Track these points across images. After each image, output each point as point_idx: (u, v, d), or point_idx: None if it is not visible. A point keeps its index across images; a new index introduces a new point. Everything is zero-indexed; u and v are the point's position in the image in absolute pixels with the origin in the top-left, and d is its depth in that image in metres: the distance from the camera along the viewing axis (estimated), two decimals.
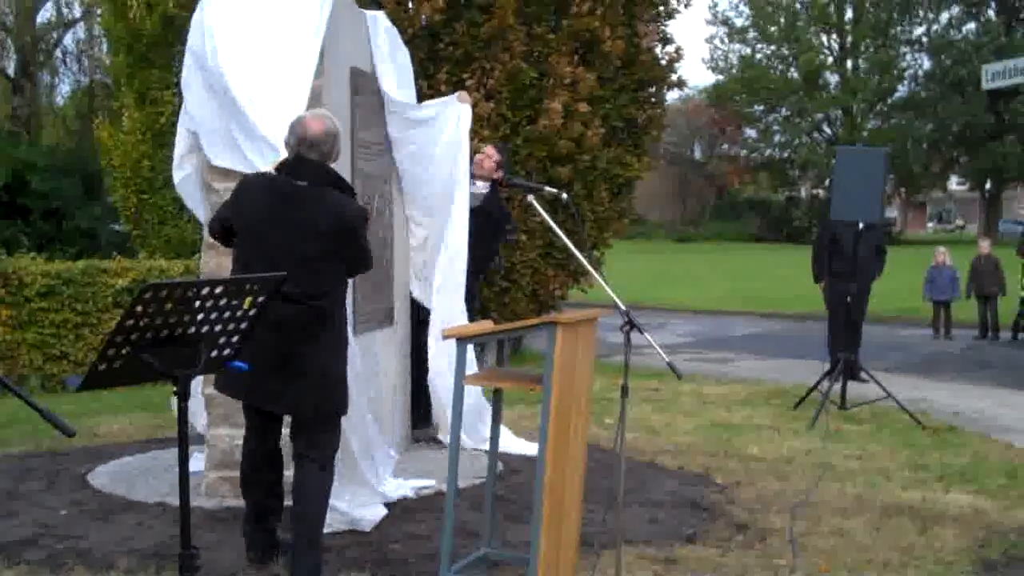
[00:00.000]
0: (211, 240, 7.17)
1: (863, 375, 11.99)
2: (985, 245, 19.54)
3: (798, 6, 64.28)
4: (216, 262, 7.17)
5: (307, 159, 5.33)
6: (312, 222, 5.23)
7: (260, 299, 3.99)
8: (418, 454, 8.48)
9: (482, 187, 8.66)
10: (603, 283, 5.17)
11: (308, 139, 5.35)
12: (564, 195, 5.51)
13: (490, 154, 8.87)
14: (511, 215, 9.99)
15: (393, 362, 8.41)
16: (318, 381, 5.31)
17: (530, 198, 5.37)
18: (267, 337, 4.82)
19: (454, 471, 5.03)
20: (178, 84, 17.32)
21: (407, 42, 9.10)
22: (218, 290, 3.80)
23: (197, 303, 3.76)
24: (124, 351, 3.66)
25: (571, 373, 4.90)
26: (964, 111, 57.90)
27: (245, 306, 3.90)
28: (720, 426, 10.17)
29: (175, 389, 3.86)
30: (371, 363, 7.91)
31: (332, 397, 5.42)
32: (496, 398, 5.40)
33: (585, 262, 5.54)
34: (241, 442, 6.32)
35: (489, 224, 8.67)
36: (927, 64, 63.14)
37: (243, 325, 4.01)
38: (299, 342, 5.20)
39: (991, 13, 62.22)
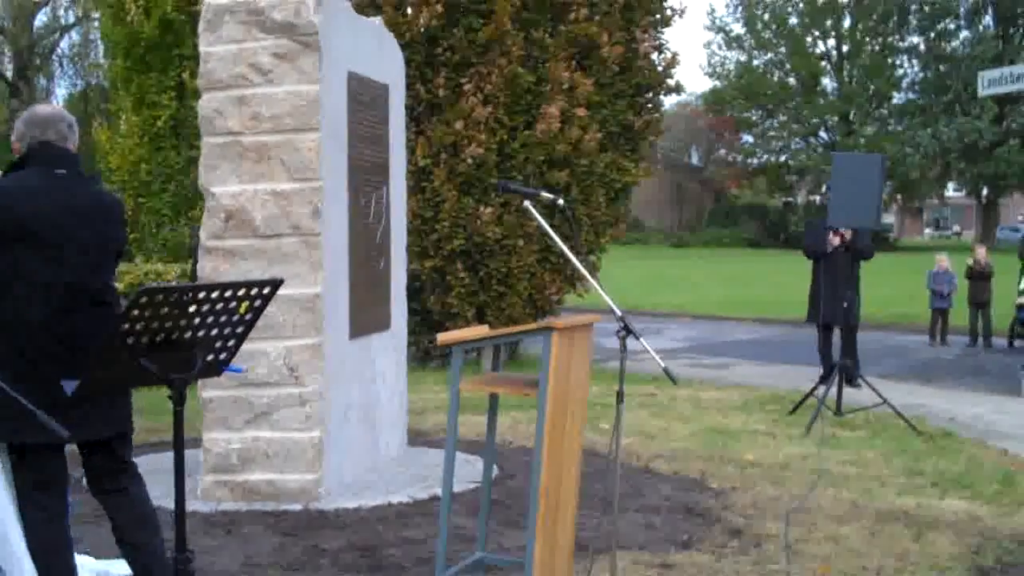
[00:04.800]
0: (207, 244, 7.20)
1: (859, 381, 12.00)
2: (980, 252, 19.55)
3: (792, 18, 64.36)
4: (212, 266, 7.19)
5: (55, 144, 4.66)
6: (103, 207, 4.73)
7: (257, 304, 3.99)
8: (414, 457, 8.49)
9: None
10: (599, 288, 5.16)
11: (39, 120, 4.69)
12: (561, 200, 5.50)
13: None
14: None
15: (391, 366, 8.41)
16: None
17: (527, 203, 5.36)
18: (65, 351, 4.45)
19: (449, 475, 5.03)
20: (175, 88, 17.44)
21: (405, 47, 9.12)
22: (214, 294, 3.80)
23: (193, 308, 3.76)
24: (120, 355, 3.65)
25: (567, 378, 4.91)
26: (960, 118, 57.99)
27: (241, 311, 3.91)
28: (716, 431, 10.17)
29: (169, 394, 3.85)
30: (368, 367, 7.93)
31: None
32: (492, 403, 5.40)
33: (581, 267, 5.53)
34: (238, 446, 6.33)
35: None
36: (923, 72, 63.31)
37: (239, 330, 4.01)
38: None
39: (988, 20, 62.33)
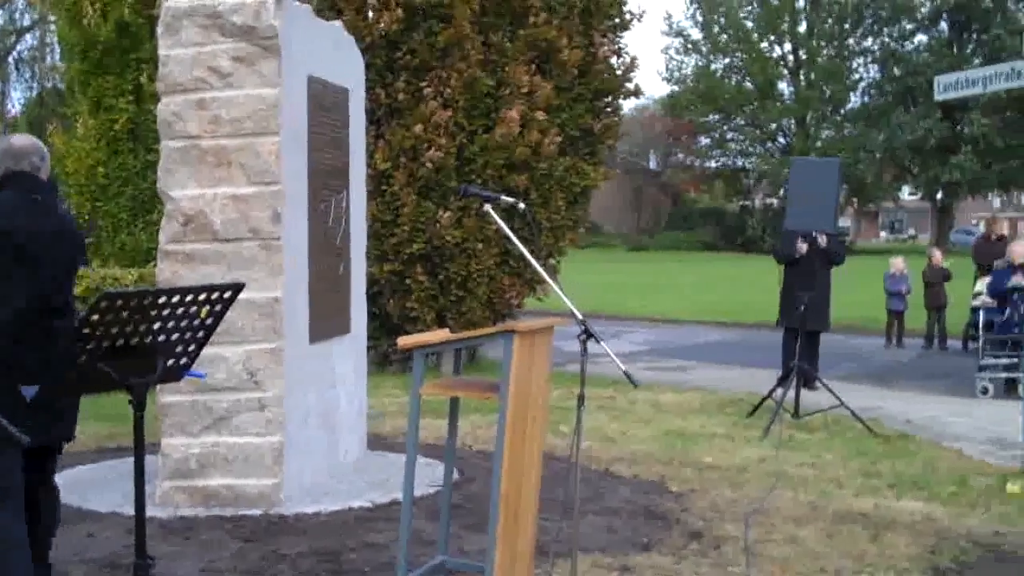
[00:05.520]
0: (166, 248, 7.17)
1: (816, 384, 12.08)
2: (937, 256, 19.73)
3: (748, 22, 64.71)
4: (172, 271, 7.15)
5: (29, 174, 4.86)
6: (70, 232, 5.04)
7: (217, 308, 3.98)
8: (374, 462, 8.47)
9: None
10: (559, 292, 5.18)
11: (14, 152, 4.88)
12: (521, 204, 5.51)
13: None
14: None
15: (350, 371, 8.40)
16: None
17: (487, 207, 5.37)
18: (27, 359, 4.57)
19: (411, 479, 5.03)
20: (133, 91, 17.31)
21: (365, 51, 9.10)
22: (175, 299, 3.80)
23: (154, 312, 3.76)
24: (81, 360, 3.64)
25: (527, 382, 4.92)
26: (915, 122, 58.55)
27: (202, 315, 3.90)
28: (675, 434, 10.21)
29: (130, 399, 3.84)
30: (328, 372, 7.92)
31: None
32: (453, 407, 5.40)
33: (542, 271, 5.54)
34: (197, 451, 6.30)
35: None
36: (878, 75, 63.87)
37: (199, 334, 4.00)
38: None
39: (944, 26, 62.92)
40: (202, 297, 3.90)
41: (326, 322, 7.81)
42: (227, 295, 3.98)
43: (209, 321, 3.99)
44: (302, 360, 7.40)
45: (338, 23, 8.88)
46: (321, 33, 8.04)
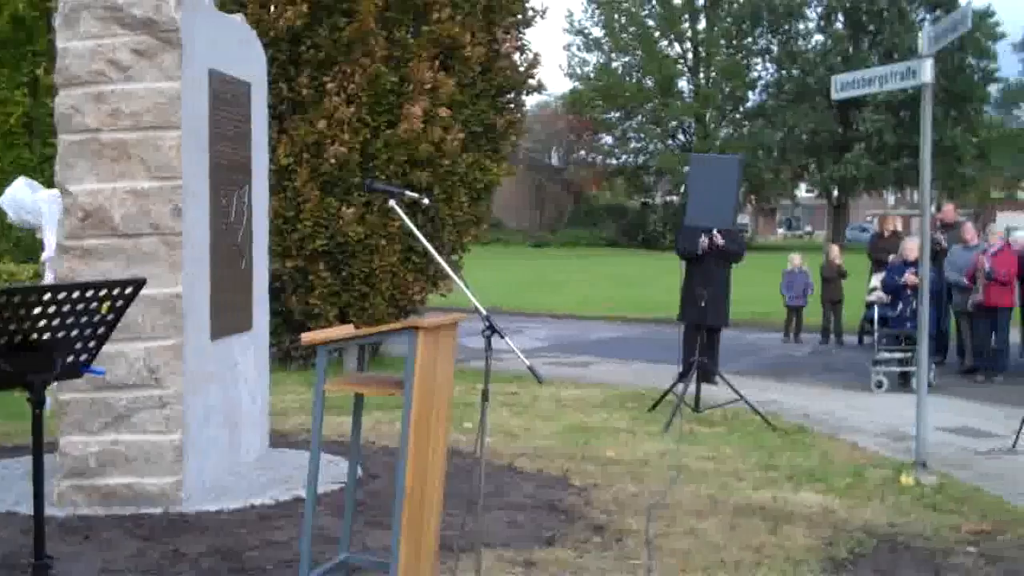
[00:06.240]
0: (65, 243, 7.06)
1: (716, 378, 12.23)
2: (834, 252, 20.07)
3: (649, 20, 65.26)
4: (69, 266, 7.04)
5: None
6: None
7: (118, 304, 3.93)
8: (276, 459, 8.42)
9: None
10: (464, 287, 5.19)
11: None
12: (426, 200, 5.52)
13: None
14: None
15: (252, 367, 8.33)
16: None
17: (391, 202, 5.37)
18: None
19: (314, 476, 5.02)
20: (29, 85, 17.01)
21: (268, 45, 9.03)
22: (75, 295, 3.74)
23: (52, 308, 3.70)
24: None
25: (432, 378, 4.93)
26: (813, 120, 59.60)
27: (103, 311, 3.85)
28: (578, 429, 10.28)
29: (28, 396, 3.78)
30: (229, 369, 7.85)
31: None
32: (357, 403, 5.39)
33: (447, 266, 5.55)
34: (96, 449, 6.22)
35: None
36: (776, 74, 64.85)
37: (100, 330, 3.95)
38: None
39: (839, 25, 64.02)
40: (102, 293, 3.84)
41: (228, 318, 7.75)
42: (128, 291, 3.93)
43: (110, 317, 3.93)
44: (203, 357, 7.33)
45: (240, 17, 8.79)
46: (223, 27, 7.96)
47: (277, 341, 12.52)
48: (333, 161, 12.99)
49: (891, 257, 15.69)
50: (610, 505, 7.42)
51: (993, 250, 14.43)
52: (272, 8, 13.05)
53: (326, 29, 13.07)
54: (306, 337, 5.07)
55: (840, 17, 63.75)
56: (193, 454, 7.16)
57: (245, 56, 8.29)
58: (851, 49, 61.37)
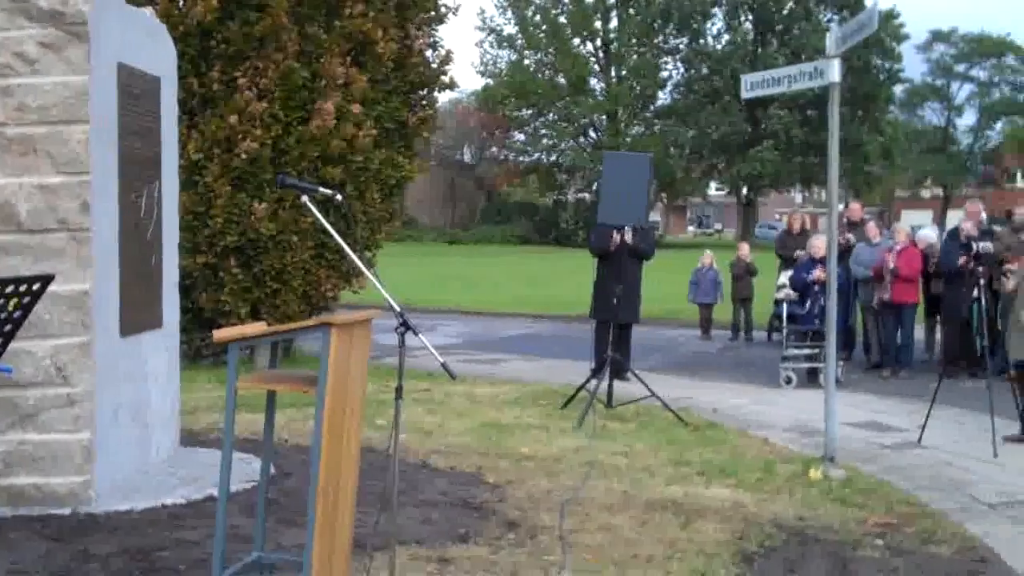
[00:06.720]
0: None
1: (629, 375, 12.32)
2: (744, 250, 20.32)
3: (561, 18, 65.48)
4: None
5: None
6: None
7: (25, 301, 3.87)
8: (187, 458, 8.33)
9: None
10: (378, 284, 5.17)
11: None
12: (339, 196, 5.50)
13: None
14: None
15: (162, 365, 8.23)
16: None
17: (304, 199, 5.34)
18: None
19: (226, 475, 4.98)
20: None
21: (178, 39, 8.93)
22: None
23: None
24: None
25: (345, 375, 4.91)
26: (722, 119, 60.31)
27: (10, 308, 3.79)
28: (491, 426, 10.30)
29: None
30: (139, 366, 7.75)
31: None
32: (269, 401, 5.35)
33: (360, 263, 5.54)
34: (2, 448, 6.10)
35: None
36: (686, 73, 65.50)
37: (6, 328, 3.89)
38: None
39: (748, 25, 64.85)
40: (9, 290, 3.78)
41: (137, 315, 7.65)
42: (35, 287, 3.87)
43: (17, 314, 3.87)
44: (112, 355, 7.23)
45: (150, 10, 8.69)
46: (132, 20, 7.85)
47: (188, 339, 12.39)
48: (245, 157, 12.87)
49: (797, 253, 15.93)
50: (524, 502, 7.45)
51: (899, 248, 14.68)
52: (182, 2, 12.91)
53: (237, 23, 12.94)
54: (218, 334, 5.02)
55: (748, 17, 64.60)
56: (102, 453, 7.06)
57: (154, 50, 8.18)
58: (759, 49, 62.15)
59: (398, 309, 4.90)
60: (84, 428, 6.92)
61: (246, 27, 12.94)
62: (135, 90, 7.65)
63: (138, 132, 7.70)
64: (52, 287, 4.64)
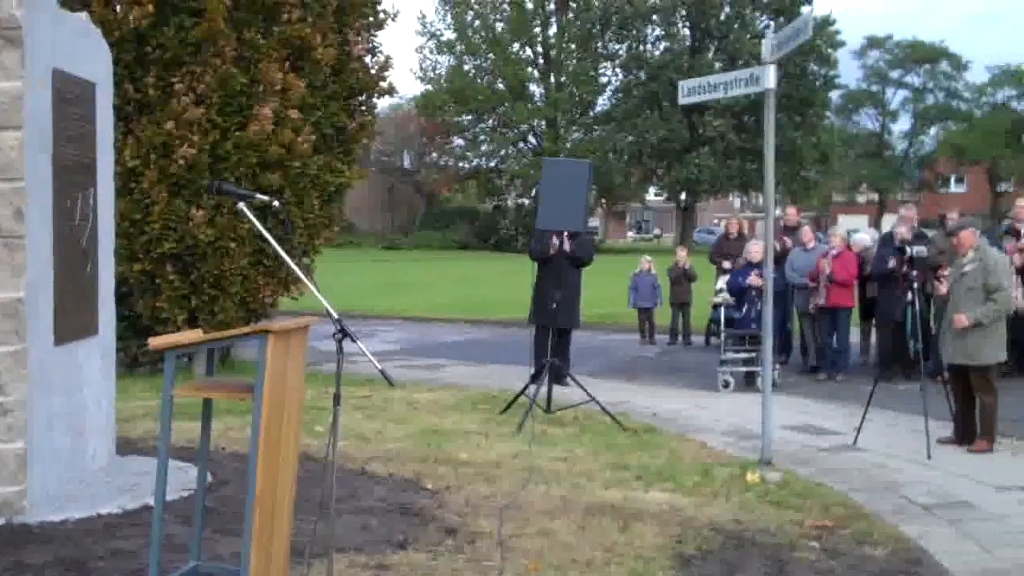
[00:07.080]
0: None
1: (568, 379, 12.36)
2: (682, 255, 20.45)
3: (500, 23, 65.55)
4: None
5: None
6: None
7: None
8: (123, 466, 8.26)
9: None
10: (315, 291, 5.17)
11: None
12: (276, 202, 5.48)
13: None
14: None
15: (97, 373, 8.16)
16: None
17: (240, 205, 5.32)
18: None
19: (162, 484, 4.95)
20: None
21: (114, 45, 8.85)
22: None
23: None
24: None
25: (282, 382, 4.90)
26: (660, 125, 60.68)
27: None
28: (430, 432, 10.30)
29: None
30: (74, 375, 7.68)
31: None
32: (206, 409, 5.33)
33: (298, 270, 5.53)
34: None
35: None
36: (624, 78, 65.81)
37: None
38: None
39: (685, 31, 65.34)
40: None
41: (72, 323, 7.57)
42: None
43: None
44: (46, 363, 7.16)
45: (85, 15, 8.60)
46: (66, 25, 7.78)
47: (124, 346, 12.28)
48: (182, 162, 12.77)
49: (736, 259, 16.05)
50: (463, 507, 7.46)
51: (834, 252, 14.84)
52: (117, 8, 12.79)
53: (172, 29, 12.84)
54: (154, 342, 5.00)
55: (685, 24, 65.08)
56: (37, 462, 6.99)
57: (89, 55, 8.11)
58: (695, 55, 62.60)
59: (336, 315, 4.90)
60: (17, 437, 6.85)
61: (182, 32, 12.84)
62: (70, 96, 7.58)
63: (73, 138, 7.63)
64: None
